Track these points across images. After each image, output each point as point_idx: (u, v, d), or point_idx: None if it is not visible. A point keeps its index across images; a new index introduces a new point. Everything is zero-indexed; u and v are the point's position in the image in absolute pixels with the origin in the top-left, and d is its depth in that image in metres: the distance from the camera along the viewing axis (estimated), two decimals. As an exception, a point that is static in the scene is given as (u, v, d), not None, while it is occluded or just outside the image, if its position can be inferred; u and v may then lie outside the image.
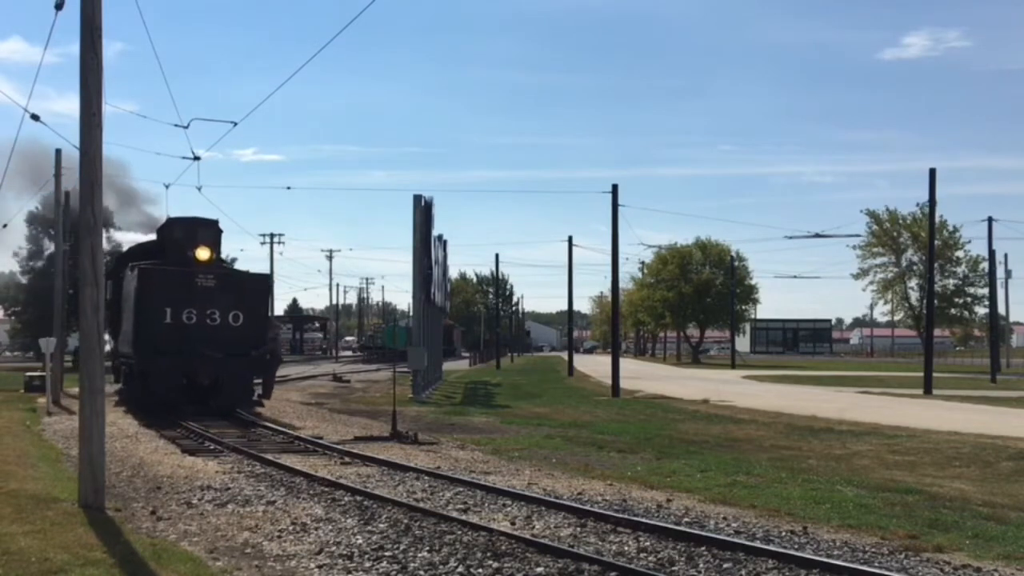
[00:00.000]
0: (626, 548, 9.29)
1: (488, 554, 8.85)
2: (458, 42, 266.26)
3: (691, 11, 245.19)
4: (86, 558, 8.30)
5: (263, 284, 26.48)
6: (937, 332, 59.30)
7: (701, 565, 8.67)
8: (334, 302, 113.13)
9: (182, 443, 17.85)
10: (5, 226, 56.28)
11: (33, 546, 8.66)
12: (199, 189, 52.60)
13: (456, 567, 8.39)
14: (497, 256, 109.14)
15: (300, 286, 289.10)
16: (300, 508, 11.20)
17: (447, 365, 58.15)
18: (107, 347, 27.18)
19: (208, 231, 25.03)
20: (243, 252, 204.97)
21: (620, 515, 10.67)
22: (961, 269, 66.57)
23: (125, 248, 31.66)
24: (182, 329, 22.83)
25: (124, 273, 26.90)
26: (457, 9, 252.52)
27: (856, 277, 70.40)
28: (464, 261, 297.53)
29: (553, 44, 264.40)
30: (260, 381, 24.76)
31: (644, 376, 50.99)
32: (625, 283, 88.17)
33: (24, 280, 66.03)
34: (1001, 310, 74.29)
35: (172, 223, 25.81)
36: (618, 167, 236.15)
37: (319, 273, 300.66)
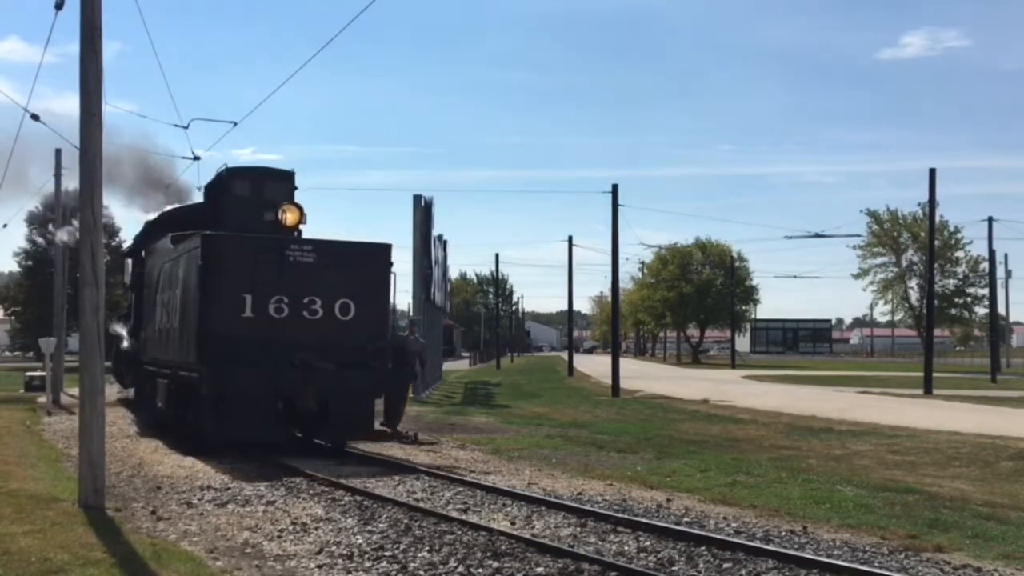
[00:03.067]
0: (626, 548, 9.28)
1: (488, 554, 8.85)
2: (458, 42, 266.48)
3: (690, 11, 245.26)
4: (86, 558, 8.30)
5: (383, 260, 16.97)
6: (937, 332, 59.29)
7: (701, 565, 8.67)
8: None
9: (181, 443, 17.83)
10: (5, 226, 56.27)
11: (33, 546, 8.67)
12: (199, 189, 52.39)
13: (456, 567, 8.39)
14: (497, 256, 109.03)
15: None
16: (300, 508, 11.19)
17: (447, 365, 58.14)
18: (124, 345, 23.76)
19: (283, 185, 18.32)
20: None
21: (620, 515, 10.67)
22: (961, 269, 66.60)
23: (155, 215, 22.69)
24: (270, 327, 15.51)
25: (156, 247, 20.17)
26: (457, 9, 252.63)
27: (856, 277, 70.45)
28: (464, 261, 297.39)
29: (553, 44, 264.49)
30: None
31: (644, 376, 50.98)
32: (625, 283, 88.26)
33: (23, 280, 66.08)
34: (1001, 310, 74.26)
35: (232, 176, 18.40)
36: (618, 167, 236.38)
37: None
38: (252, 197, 18.01)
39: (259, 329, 15.45)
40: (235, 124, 20.11)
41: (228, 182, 18.33)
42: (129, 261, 24.14)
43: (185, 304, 16.51)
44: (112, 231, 67.24)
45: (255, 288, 15.52)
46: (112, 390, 27.00)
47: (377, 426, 17.70)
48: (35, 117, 19.16)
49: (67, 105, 32.93)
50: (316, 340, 15.76)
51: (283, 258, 15.76)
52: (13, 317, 73.32)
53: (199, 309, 15.55)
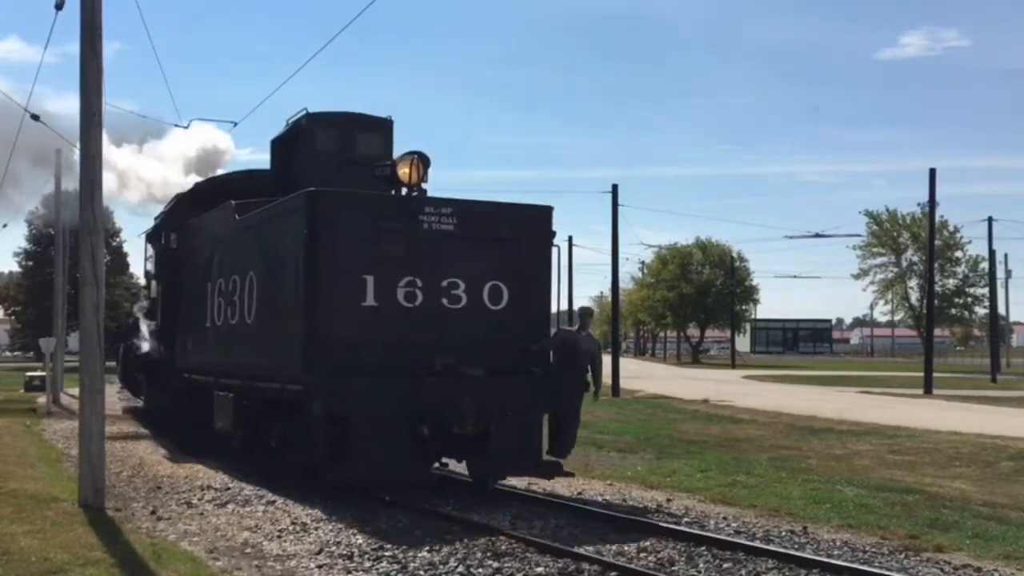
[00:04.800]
0: (626, 548, 9.28)
1: (488, 554, 8.84)
2: (458, 42, 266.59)
3: (690, 11, 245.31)
4: (86, 558, 8.31)
5: (543, 227, 12.71)
6: (937, 332, 59.31)
7: (701, 565, 8.67)
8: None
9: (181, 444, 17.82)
10: (5, 226, 56.26)
11: (33, 546, 8.67)
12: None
13: (456, 567, 8.39)
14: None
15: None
16: (300, 508, 11.19)
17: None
18: (145, 348, 19.87)
19: (379, 137, 14.14)
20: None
21: (621, 515, 10.67)
22: (961, 269, 66.52)
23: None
24: (400, 320, 11.59)
25: (196, 225, 16.42)
26: (458, 9, 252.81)
27: (856, 277, 70.34)
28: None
29: (553, 44, 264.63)
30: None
31: (644, 376, 50.97)
32: (625, 283, 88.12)
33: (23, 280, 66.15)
34: (1001, 310, 74.33)
35: (313, 123, 13.92)
36: (618, 167, 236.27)
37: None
38: (340, 152, 13.72)
39: (386, 323, 11.45)
40: (235, 124, 20.12)
41: (308, 132, 13.89)
42: (151, 246, 19.64)
43: (273, 291, 12.47)
44: (112, 231, 67.26)
45: (379, 267, 11.46)
46: (112, 394, 26.86)
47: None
48: (35, 117, 19.20)
49: (67, 105, 32.86)
50: (460, 338, 11.72)
51: (415, 225, 11.63)
52: (13, 317, 73.42)
53: (305, 297, 11.41)
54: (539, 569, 8.36)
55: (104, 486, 11.10)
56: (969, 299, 67.44)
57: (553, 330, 13.04)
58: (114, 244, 68.50)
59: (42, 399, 28.09)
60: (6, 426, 20.83)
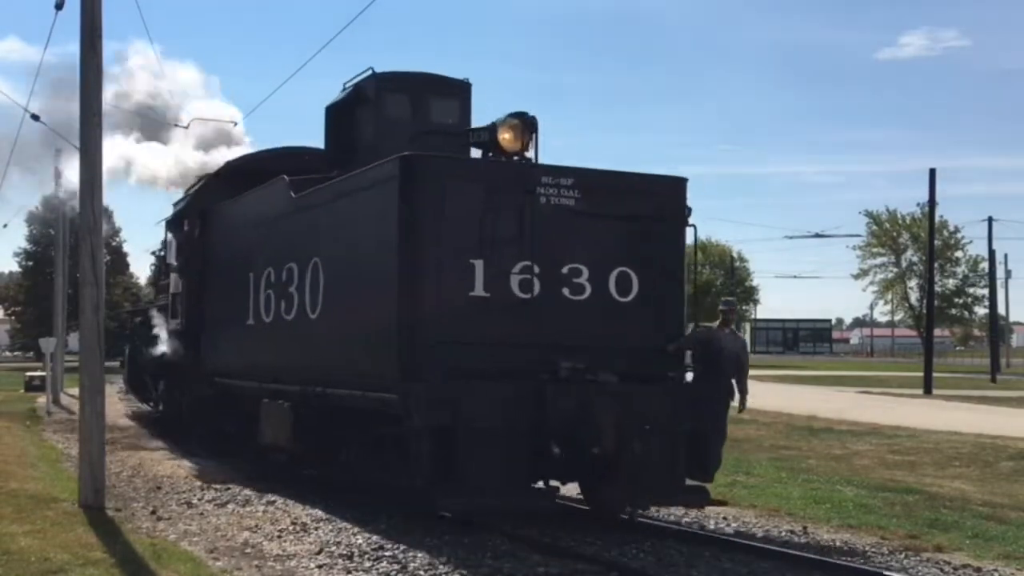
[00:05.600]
0: (627, 548, 9.27)
1: (488, 555, 8.84)
2: (457, 42, 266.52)
3: (689, 11, 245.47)
4: (86, 558, 8.31)
5: (677, 203, 10.80)
6: (937, 332, 59.30)
7: (702, 566, 8.66)
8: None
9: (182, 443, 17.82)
10: (5, 226, 56.22)
11: (33, 546, 8.67)
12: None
13: (455, 568, 8.38)
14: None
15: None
16: (300, 508, 11.19)
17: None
18: (161, 349, 17.73)
19: (456, 103, 12.16)
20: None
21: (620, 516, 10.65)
22: (961, 269, 66.52)
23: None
24: (515, 314, 9.77)
25: (229, 209, 14.77)
26: (458, 8, 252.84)
27: (856, 277, 70.29)
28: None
29: (552, 44, 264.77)
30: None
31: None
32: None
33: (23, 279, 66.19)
34: (1001, 310, 74.34)
35: (381, 86, 11.81)
36: (618, 167, 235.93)
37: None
38: (411, 120, 11.65)
39: (499, 317, 9.63)
40: (235, 124, 20.02)
41: (373, 96, 11.79)
42: (171, 234, 17.58)
43: (350, 280, 10.64)
44: (112, 231, 67.24)
45: (490, 249, 9.60)
46: (112, 394, 26.82)
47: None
48: (35, 117, 19.18)
49: (67, 105, 32.70)
50: (584, 335, 9.91)
51: (532, 199, 9.75)
52: (13, 317, 73.42)
53: (400, 286, 9.52)
54: (540, 569, 8.34)
55: (104, 486, 11.10)
56: (969, 299, 67.44)
57: (689, 327, 11.20)
58: (114, 244, 68.51)
59: (42, 399, 28.08)
60: (6, 426, 20.82)
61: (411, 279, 9.53)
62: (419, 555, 8.77)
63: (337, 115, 12.63)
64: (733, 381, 10.63)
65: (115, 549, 8.72)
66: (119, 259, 70.08)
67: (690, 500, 10.37)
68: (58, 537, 9.13)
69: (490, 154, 10.35)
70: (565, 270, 9.95)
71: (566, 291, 9.97)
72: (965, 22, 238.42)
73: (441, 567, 8.39)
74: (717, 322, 11.17)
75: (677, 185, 10.86)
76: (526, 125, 10.23)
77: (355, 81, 12.18)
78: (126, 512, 10.88)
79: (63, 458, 15.80)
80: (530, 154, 10.36)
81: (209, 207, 15.64)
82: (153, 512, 10.92)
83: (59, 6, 12.70)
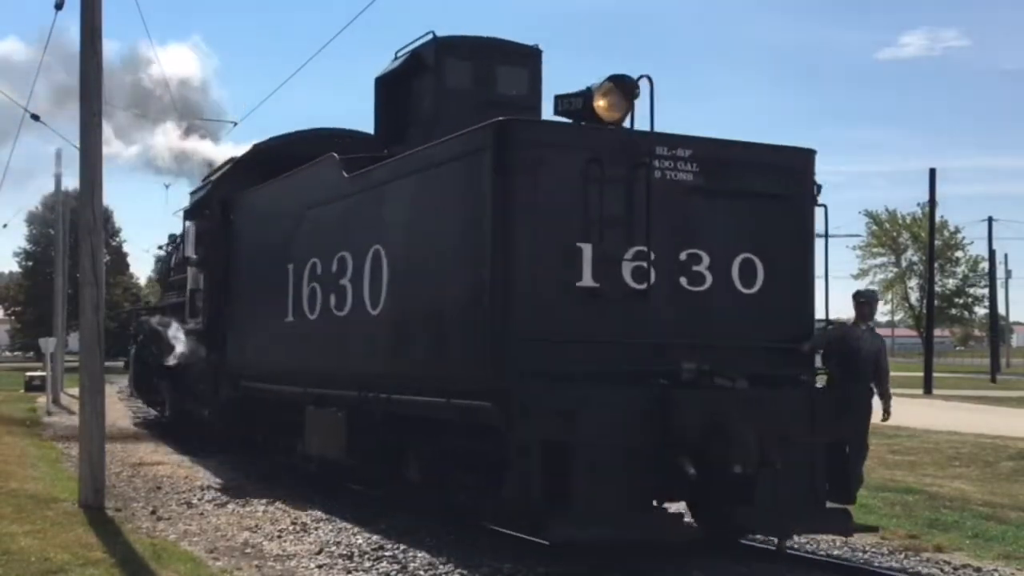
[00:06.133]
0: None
1: (488, 555, 8.83)
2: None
3: (689, 10, 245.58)
4: (86, 558, 8.31)
5: (805, 178, 9.33)
6: (937, 332, 59.37)
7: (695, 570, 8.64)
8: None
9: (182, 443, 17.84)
10: (5, 226, 56.29)
11: (33, 546, 8.66)
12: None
13: (455, 568, 8.38)
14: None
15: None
16: (300, 508, 11.18)
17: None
18: (176, 350, 16.38)
19: (526, 72, 10.86)
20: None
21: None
22: (961, 269, 66.56)
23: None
24: (627, 308, 8.45)
25: (256, 196, 13.62)
26: (457, 8, 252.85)
27: (856, 277, 70.33)
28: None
29: (552, 43, 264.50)
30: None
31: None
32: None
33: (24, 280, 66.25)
34: (1001, 310, 74.28)
35: (442, 52, 10.48)
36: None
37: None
38: (476, 91, 10.48)
39: (611, 312, 8.31)
40: (235, 124, 19.97)
41: (434, 64, 10.48)
42: (190, 225, 16.20)
43: (424, 268, 9.17)
44: (112, 231, 67.32)
45: (598, 232, 8.22)
46: (112, 394, 26.81)
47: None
48: (35, 117, 19.20)
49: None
50: (707, 333, 8.66)
51: (645, 173, 8.39)
52: (13, 317, 73.48)
53: (493, 275, 8.15)
54: (540, 569, 8.34)
55: (104, 486, 11.10)
56: (969, 299, 67.47)
57: (819, 321, 9.69)
58: (114, 244, 68.57)
59: (42, 399, 28.10)
60: (6, 426, 20.82)
61: (509, 267, 8.07)
62: (419, 555, 8.76)
63: (390, 86, 11.18)
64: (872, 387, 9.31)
65: (115, 549, 8.72)
66: (119, 259, 70.14)
67: (835, 526, 8.87)
68: (58, 537, 9.13)
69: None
70: (683, 256, 8.58)
71: (684, 281, 8.59)
72: (965, 22, 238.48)
73: (441, 567, 8.39)
74: (852, 317, 9.77)
75: (806, 158, 9.32)
76: (627, 90, 8.54)
77: (411, 47, 10.82)
78: (126, 512, 10.88)
79: (63, 458, 15.80)
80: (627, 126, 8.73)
81: (234, 194, 14.30)
82: (153, 512, 10.92)
83: (59, 6, 12.73)
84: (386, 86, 11.27)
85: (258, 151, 14.83)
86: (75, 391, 17.13)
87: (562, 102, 8.80)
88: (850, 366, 9.17)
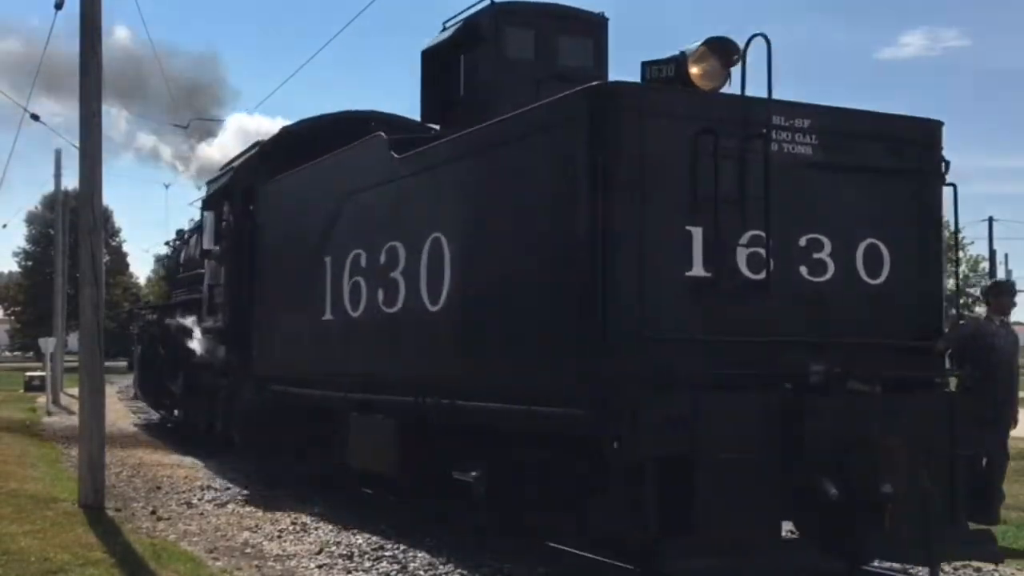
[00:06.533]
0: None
1: (488, 555, 8.83)
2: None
3: (689, 9, 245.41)
4: (86, 558, 8.30)
5: (932, 157, 8.18)
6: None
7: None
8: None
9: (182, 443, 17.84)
10: (5, 226, 56.33)
11: (33, 546, 8.66)
12: (200, 188, 52.53)
13: (455, 568, 8.38)
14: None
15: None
16: (300, 508, 11.19)
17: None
18: (191, 350, 15.55)
19: (589, 42, 9.92)
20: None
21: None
22: (961, 269, 66.63)
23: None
24: (741, 302, 7.29)
25: (282, 183, 12.40)
26: (458, 6, 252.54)
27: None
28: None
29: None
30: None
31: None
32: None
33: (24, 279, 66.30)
34: (1001, 310, 74.18)
35: (499, 19, 9.62)
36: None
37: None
38: (536, 63, 9.53)
39: (725, 305, 7.25)
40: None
41: (492, 34, 9.58)
42: (209, 216, 14.74)
43: (501, 256, 8.02)
44: (112, 231, 67.34)
45: (710, 213, 7.13)
46: (112, 394, 26.80)
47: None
48: (35, 117, 19.24)
49: (66, 105, 32.90)
50: (832, 330, 7.56)
51: (761, 146, 7.34)
52: (13, 317, 73.53)
53: (592, 261, 6.95)
54: (540, 569, 8.34)
55: (104, 486, 11.09)
56: (969, 299, 67.56)
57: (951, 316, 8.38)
58: (114, 244, 68.62)
59: (42, 399, 28.11)
60: (6, 426, 20.83)
61: (609, 254, 6.92)
62: (419, 555, 8.76)
63: (438, 59, 10.17)
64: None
65: (115, 549, 8.71)
66: (119, 259, 70.20)
67: (983, 551, 7.70)
68: (58, 537, 9.12)
69: None
70: (803, 242, 7.52)
71: (804, 270, 7.54)
72: (965, 22, 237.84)
73: (441, 567, 8.38)
74: (984, 312, 8.79)
75: (933, 131, 8.24)
76: (725, 55, 7.53)
77: (463, 16, 9.89)
78: (126, 512, 10.88)
79: (63, 458, 15.80)
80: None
81: (260, 181, 13.13)
82: (153, 512, 10.92)
83: (59, 6, 12.74)
84: (434, 59, 10.26)
85: (286, 135, 13.86)
86: (75, 391, 17.11)
87: (651, 69, 7.66)
88: (983, 366, 8.02)
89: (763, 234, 7.26)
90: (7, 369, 52.93)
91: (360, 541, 9.39)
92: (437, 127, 10.46)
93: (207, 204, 15.53)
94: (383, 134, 10.20)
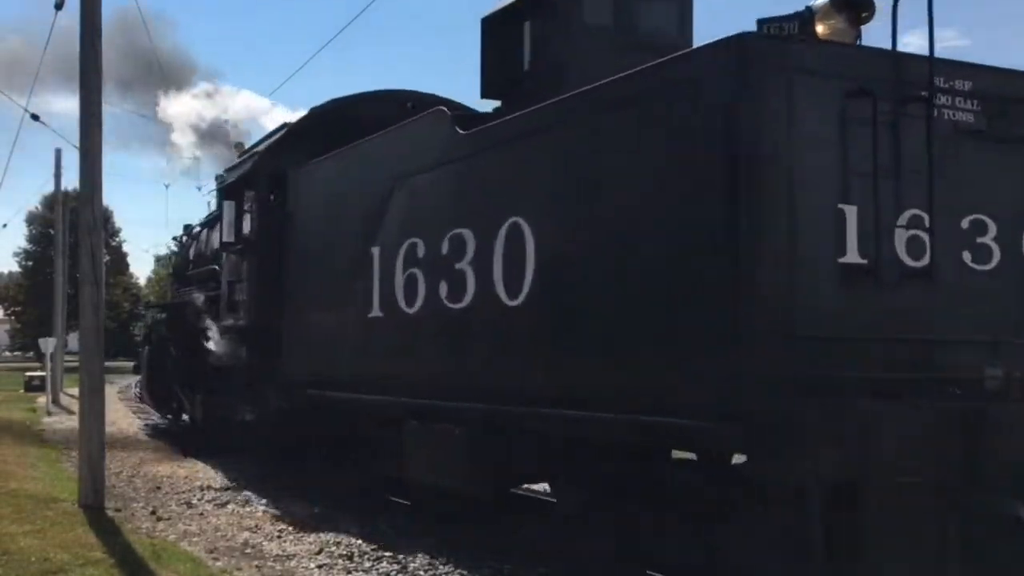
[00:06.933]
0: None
1: (488, 555, 8.84)
2: (459, 40, 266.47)
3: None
4: (86, 558, 8.30)
5: None
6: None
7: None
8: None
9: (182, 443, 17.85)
10: (5, 226, 56.34)
11: (33, 546, 8.66)
12: (199, 189, 52.47)
13: (455, 568, 8.38)
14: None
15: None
16: (300, 508, 11.19)
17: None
18: (209, 351, 14.53)
19: (676, 4, 8.89)
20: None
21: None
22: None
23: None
24: (898, 291, 6.10)
25: (354, 158, 10.69)
26: (458, 7, 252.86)
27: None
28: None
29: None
30: None
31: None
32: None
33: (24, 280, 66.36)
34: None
35: None
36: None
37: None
38: (615, 30, 8.53)
39: (882, 297, 6.19)
40: (235, 124, 19.94)
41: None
42: (229, 206, 13.70)
43: (604, 242, 6.93)
44: (112, 231, 67.36)
45: (867, 190, 6.14)
46: (112, 394, 26.79)
47: None
48: (35, 117, 19.24)
49: (66, 105, 32.93)
50: (1000, 325, 6.46)
51: (920, 111, 6.31)
52: (13, 317, 73.57)
53: (730, 245, 5.99)
54: (541, 568, 8.34)
55: (104, 486, 11.09)
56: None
57: None
58: (114, 244, 68.64)
59: (42, 399, 28.11)
60: (6, 426, 20.84)
61: (752, 239, 5.87)
62: (419, 555, 8.76)
63: (503, 27, 9.09)
64: None
65: (115, 549, 8.71)
66: (119, 259, 70.23)
67: None
68: (58, 537, 9.13)
69: None
70: (965, 224, 6.45)
71: (967, 256, 6.45)
72: (965, 22, 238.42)
73: (441, 567, 8.39)
74: None
75: None
76: (855, 11, 6.66)
77: None
78: (126, 512, 10.88)
79: (63, 458, 15.80)
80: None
81: (290, 167, 12.08)
82: (153, 512, 10.92)
83: (59, 6, 12.73)
84: (498, 27, 9.15)
85: (317, 116, 12.80)
86: (75, 391, 17.11)
87: (769, 28, 6.57)
88: None
89: (924, 214, 6.15)
90: (7, 369, 52.91)
91: (360, 541, 9.39)
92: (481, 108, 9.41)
93: (226, 193, 14.29)
94: (445, 108, 9.17)
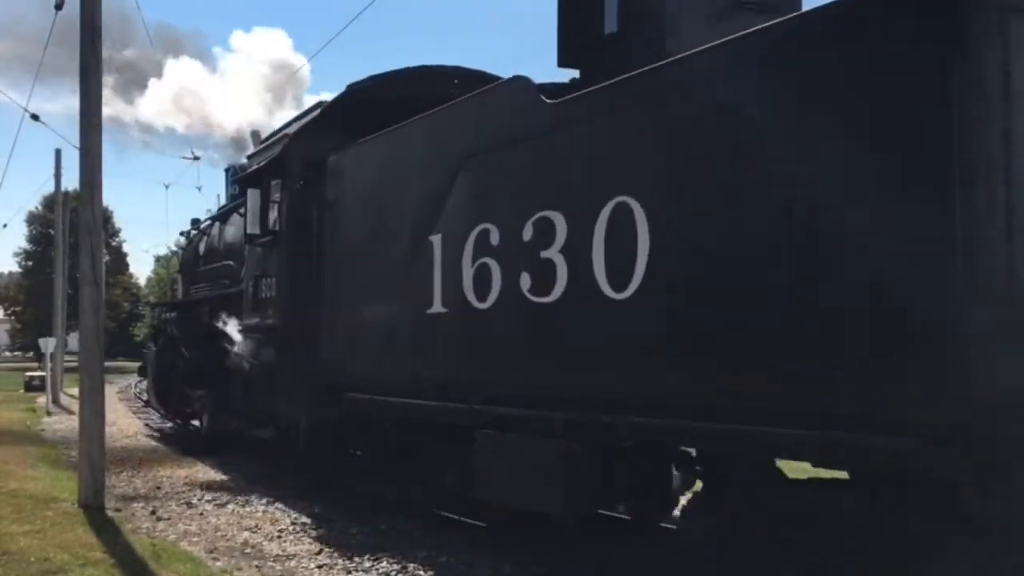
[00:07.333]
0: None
1: (488, 555, 8.84)
2: (459, 40, 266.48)
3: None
4: (86, 558, 8.30)
5: None
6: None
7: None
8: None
9: (182, 443, 17.86)
10: (5, 226, 56.32)
11: (33, 546, 8.66)
12: (199, 189, 52.56)
13: (455, 567, 8.38)
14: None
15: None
16: (300, 508, 11.19)
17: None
18: (230, 351, 13.41)
19: None
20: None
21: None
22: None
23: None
24: None
25: (406, 138, 9.41)
26: (457, 7, 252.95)
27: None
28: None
29: (551, 42, 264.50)
30: None
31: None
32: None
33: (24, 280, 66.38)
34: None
35: None
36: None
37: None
38: None
39: None
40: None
41: None
42: (254, 194, 12.49)
43: (748, 226, 5.70)
44: (112, 231, 67.36)
45: None
46: (112, 394, 26.79)
47: None
48: (35, 117, 19.26)
49: (66, 105, 32.93)
50: None
51: None
52: (13, 317, 73.57)
53: (946, 223, 4.57)
54: (536, 568, 8.33)
55: (104, 486, 11.09)
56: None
57: None
58: (114, 244, 68.64)
59: (42, 399, 28.11)
60: (6, 426, 20.84)
61: (975, 213, 4.59)
62: (419, 555, 8.76)
63: None
64: None
65: (115, 549, 8.71)
66: (119, 259, 70.23)
67: None
68: (58, 537, 9.12)
69: None
70: None
71: None
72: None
73: (441, 567, 8.39)
74: None
75: None
76: None
77: None
78: (126, 512, 10.88)
79: (63, 458, 15.81)
80: None
81: (326, 150, 10.86)
82: (153, 512, 10.92)
83: (59, 6, 12.73)
84: None
85: (354, 94, 11.55)
86: (75, 391, 17.10)
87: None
88: None
89: None
90: (7, 369, 52.92)
91: (360, 541, 9.39)
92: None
93: (248, 181, 12.90)
94: (528, 77, 7.86)
